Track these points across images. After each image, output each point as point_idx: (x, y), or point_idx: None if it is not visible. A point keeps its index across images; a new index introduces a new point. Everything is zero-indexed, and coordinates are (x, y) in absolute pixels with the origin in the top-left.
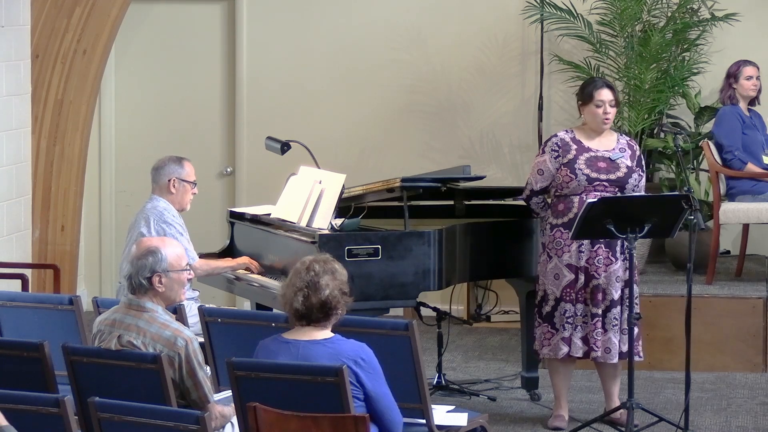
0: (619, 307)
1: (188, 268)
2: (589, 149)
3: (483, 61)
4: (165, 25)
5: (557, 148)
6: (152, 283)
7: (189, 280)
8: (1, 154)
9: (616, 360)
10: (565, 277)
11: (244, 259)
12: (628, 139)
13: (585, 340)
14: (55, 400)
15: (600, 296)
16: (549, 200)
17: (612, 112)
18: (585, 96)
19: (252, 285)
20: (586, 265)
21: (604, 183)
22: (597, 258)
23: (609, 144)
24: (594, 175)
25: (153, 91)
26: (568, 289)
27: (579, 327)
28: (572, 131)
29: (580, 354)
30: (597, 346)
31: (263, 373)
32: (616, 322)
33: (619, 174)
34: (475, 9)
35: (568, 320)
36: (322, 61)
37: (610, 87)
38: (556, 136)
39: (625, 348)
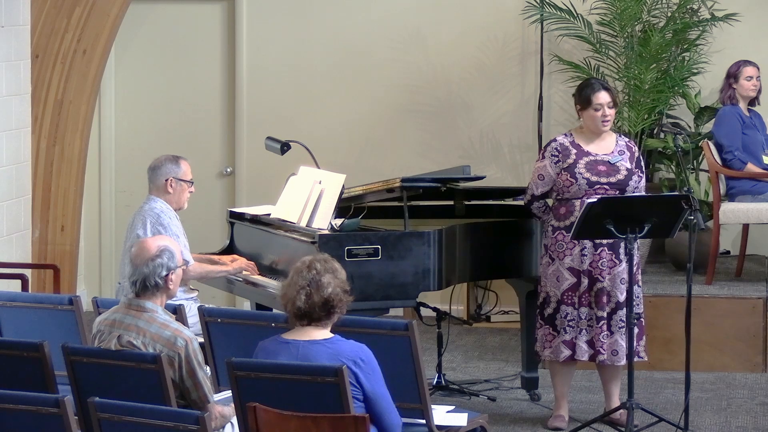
0: (625, 309)
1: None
2: (588, 153)
3: (483, 61)
4: (165, 25)
5: (557, 153)
6: (167, 281)
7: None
8: (1, 154)
9: (623, 362)
10: (566, 280)
11: (240, 264)
12: (627, 140)
13: (591, 343)
14: (55, 400)
15: (605, 299)
16: (550, 203)
17: (611, 113)
18: (583, 100)
19: (251, 285)
20: (589, 269)
21: (605, 186)
22: (601, 261)
23: (608, 146)
24: (594, 178)
25: (153, 91)
26: (570, 293)
27: (584, 330)
28: (571, 134)
29: (585, 357)
30: (603, 349)
31: (263, 374)
32: (623, 324)
33: (620, 177)
34: (475, 9)
35: (570, 323)
36: (322, 61)
37: (607, 88)
38: (555, 140)
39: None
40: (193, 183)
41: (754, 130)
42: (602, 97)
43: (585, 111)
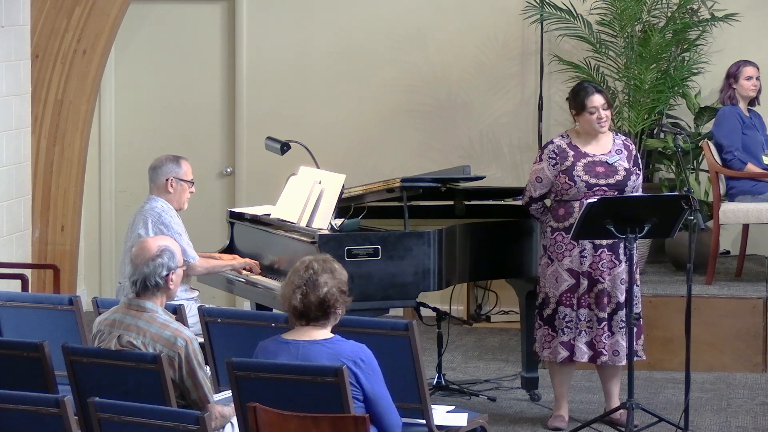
0: (625, 309)
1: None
2: (586, 154)
3: (483, 61)
4: (165, 25)
5: (554, 156)
6: (167, 281)
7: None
8: (1, 154)
9: (624, 362)
10: (564, 281)
11: (245, 260)
12: (624, 138)
13: (591, 345)
14: (55, 400)
15: (606, 300)
16: (548, 203)
17: (606, 115)
18: (577, 105)
19: (252, 285)
20: (589, 270)
21: (604, 188)
22: (601, 262)
23: (605, 146)
24: (593, 181)
25: (153, 91)
26: (568, 294)
27: (583, 332)
28: (568, 135)
29: (585, 359)
30: (605, 350)
31: (263, 374)
32: (623, 324)
33: (618, 177)
34: (475, 9)
35: (568, 324)
36: (322, 61)
37: (600, 91)
38: (552, 143)
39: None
40: (193, 183)
41: (754, 130)
42: (596, 100)
43: (581, 116)
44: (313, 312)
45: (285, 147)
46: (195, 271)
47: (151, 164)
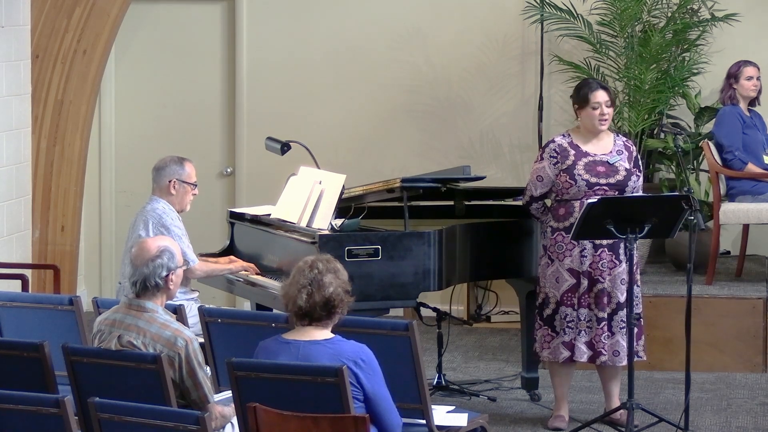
0: (625, 310)
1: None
2: (587, 154)
3: (483, 60)
4: (165, 25)
5: (555, 155)
6: (167, 281)
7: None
8: (1, 154)
9: (624, 362)
10: (565, 281)
11: (242, 264)
12: (624, 139)
13: (590, 344)
14: (55, 400)
15: (605, 300)
16: (548, 203)
17: (609, 112)
18: (580, 99)
19: (251, 285)
20: (589, 270)
21: (604, 188)
22: (601, 262)
23: (606, 146)
24: (594, 180)
25: (153, 91)
26: (569, 294)
27: (583, 332)
28: (569, 135)
29: (584, 359)
30: (605, 350)
31: (263, 374)
32: (624, 325)
33: (619, 177)
34: (475, 9)
35: (569, 324)
36: (322, 61)
37: (605, 88)
38: (553, 141)
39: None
40: (196, 185)
41: (755, 129)
42: (600, 95)
43: (583, 110)
44: (318, 312)
45: (285, 147)
46: (194, 274)
47: (155, 165)
